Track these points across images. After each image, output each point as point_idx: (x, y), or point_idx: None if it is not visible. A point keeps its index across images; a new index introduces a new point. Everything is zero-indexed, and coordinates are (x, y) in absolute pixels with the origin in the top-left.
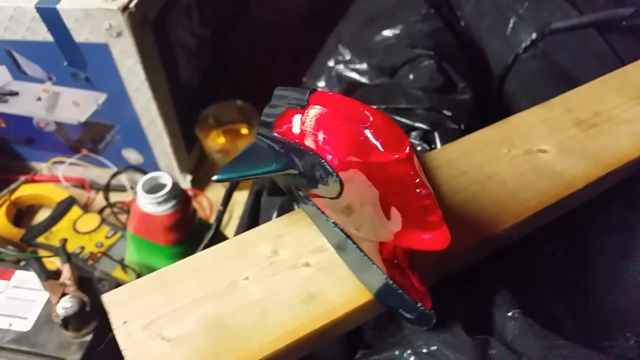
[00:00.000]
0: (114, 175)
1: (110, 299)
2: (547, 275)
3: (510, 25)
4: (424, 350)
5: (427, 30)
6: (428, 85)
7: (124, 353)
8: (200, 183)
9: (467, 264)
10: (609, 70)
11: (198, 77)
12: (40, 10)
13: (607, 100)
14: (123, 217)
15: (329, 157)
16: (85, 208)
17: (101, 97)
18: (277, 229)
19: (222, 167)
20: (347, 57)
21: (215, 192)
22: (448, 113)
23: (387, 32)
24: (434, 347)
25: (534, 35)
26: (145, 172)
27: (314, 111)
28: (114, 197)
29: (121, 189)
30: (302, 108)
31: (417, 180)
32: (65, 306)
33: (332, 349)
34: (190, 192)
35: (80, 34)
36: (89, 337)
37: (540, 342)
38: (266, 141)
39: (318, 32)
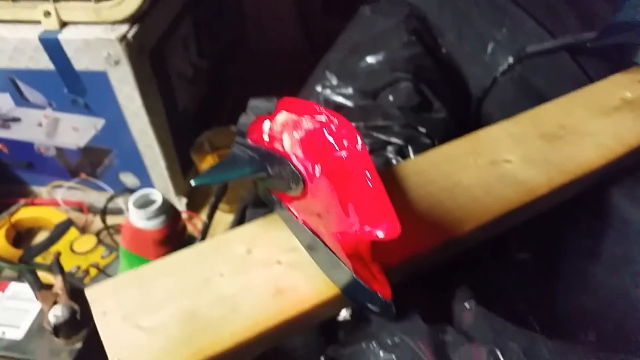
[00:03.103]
0: (111, 198)
1: (92, 292)
2: (517, 280)
3: (489, 50)
4: (388, 342)
5: (408, 56)
6: (405, 104)
7: (104, 341)
8: (196, 205)
9: (434, 265)
10: None
11: (195, 105)
12: (42, 40)
13: (573, 114)
14: (119, 239)
15: (294, 158)
16: (83, 230)
17: (99, 122)
18: (252, 231)
19: (200, 172)
20: (334, 82)
21: None
22: (422, 129)
23: (370, 59)
24: (397, 338)
25: (510, 60)
26: None
27: (280, 116)
28: (111, 219)
29: (118, 211)
30: (271, 115)
31: (369, 173)
32: (57, 314)
33: (309, 349)
34: (185, 214)
35: (80, 62)
36: (79, 345)
37: (493, 328)
38: (242, 148)
39: (315, 63)
